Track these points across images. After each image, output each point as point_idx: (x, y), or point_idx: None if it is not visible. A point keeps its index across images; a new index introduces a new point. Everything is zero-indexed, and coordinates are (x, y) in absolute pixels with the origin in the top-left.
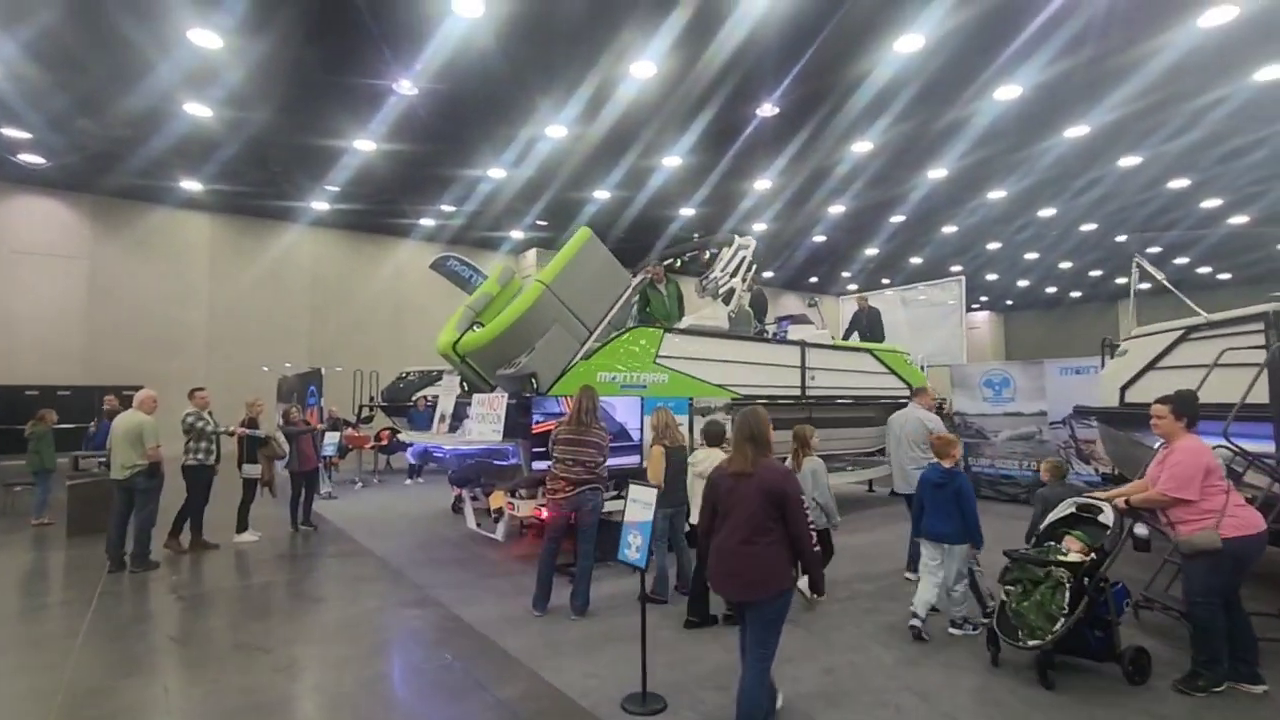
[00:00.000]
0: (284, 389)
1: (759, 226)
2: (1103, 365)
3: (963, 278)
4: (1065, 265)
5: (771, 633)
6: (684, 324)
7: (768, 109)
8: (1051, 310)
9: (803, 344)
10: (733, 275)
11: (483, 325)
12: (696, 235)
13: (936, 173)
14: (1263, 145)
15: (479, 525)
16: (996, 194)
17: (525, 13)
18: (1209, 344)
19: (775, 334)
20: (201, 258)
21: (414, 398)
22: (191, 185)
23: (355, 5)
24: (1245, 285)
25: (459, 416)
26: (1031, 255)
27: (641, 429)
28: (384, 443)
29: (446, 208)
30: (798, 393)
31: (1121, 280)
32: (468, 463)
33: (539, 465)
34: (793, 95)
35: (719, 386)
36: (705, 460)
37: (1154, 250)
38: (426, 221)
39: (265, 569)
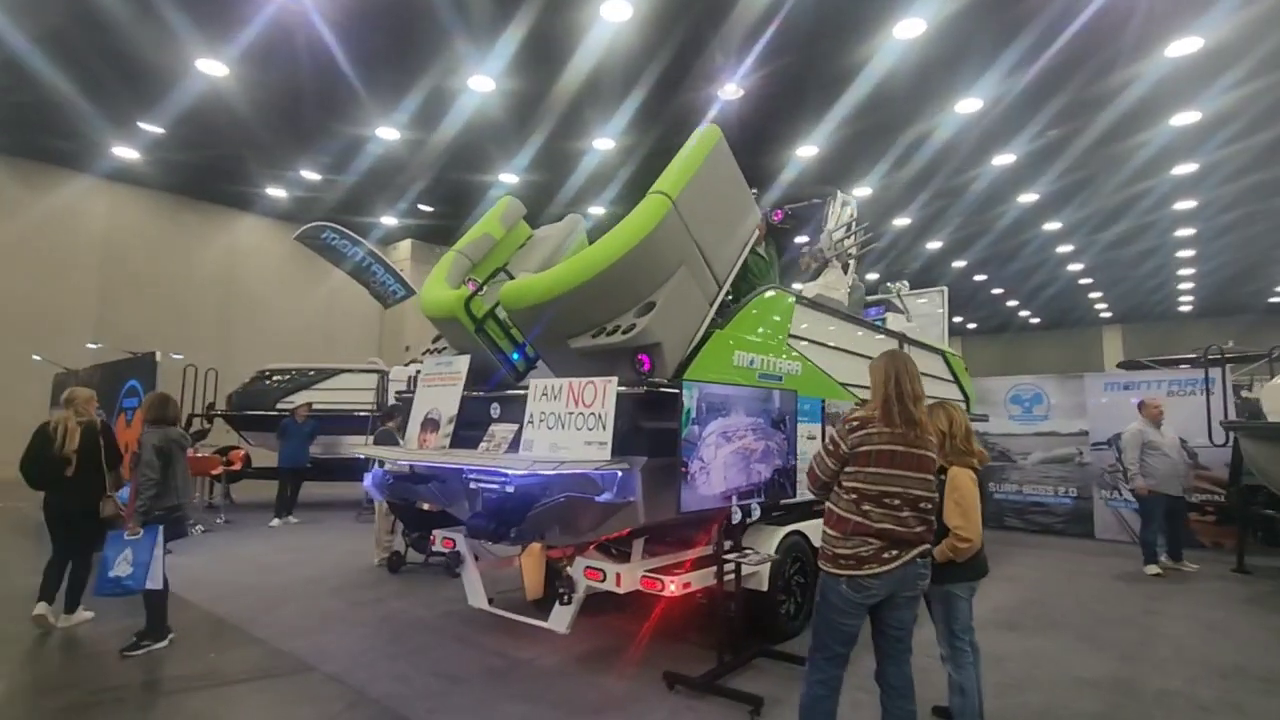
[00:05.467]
0: (64, 388)
1: None
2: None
3: (945, 288)
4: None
5: None
6: (812, 294)
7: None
8: None
9: (903, 338)
10: (847, 236)
11: (509, 275)
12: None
13: None
14: (1001, 217)
15: (491, 601)
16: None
17: None
18: None
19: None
20: None
21: (288, 406)
22: None
23: None
24: (991, 332)
25: (475, 423)
26: None
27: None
28: (235, 467)
29: (308, 174)
30: None
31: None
32: (555, 500)
33: (693, 501)
34: None
35: (843, 386)
36: None
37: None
38: (275, 191)
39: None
